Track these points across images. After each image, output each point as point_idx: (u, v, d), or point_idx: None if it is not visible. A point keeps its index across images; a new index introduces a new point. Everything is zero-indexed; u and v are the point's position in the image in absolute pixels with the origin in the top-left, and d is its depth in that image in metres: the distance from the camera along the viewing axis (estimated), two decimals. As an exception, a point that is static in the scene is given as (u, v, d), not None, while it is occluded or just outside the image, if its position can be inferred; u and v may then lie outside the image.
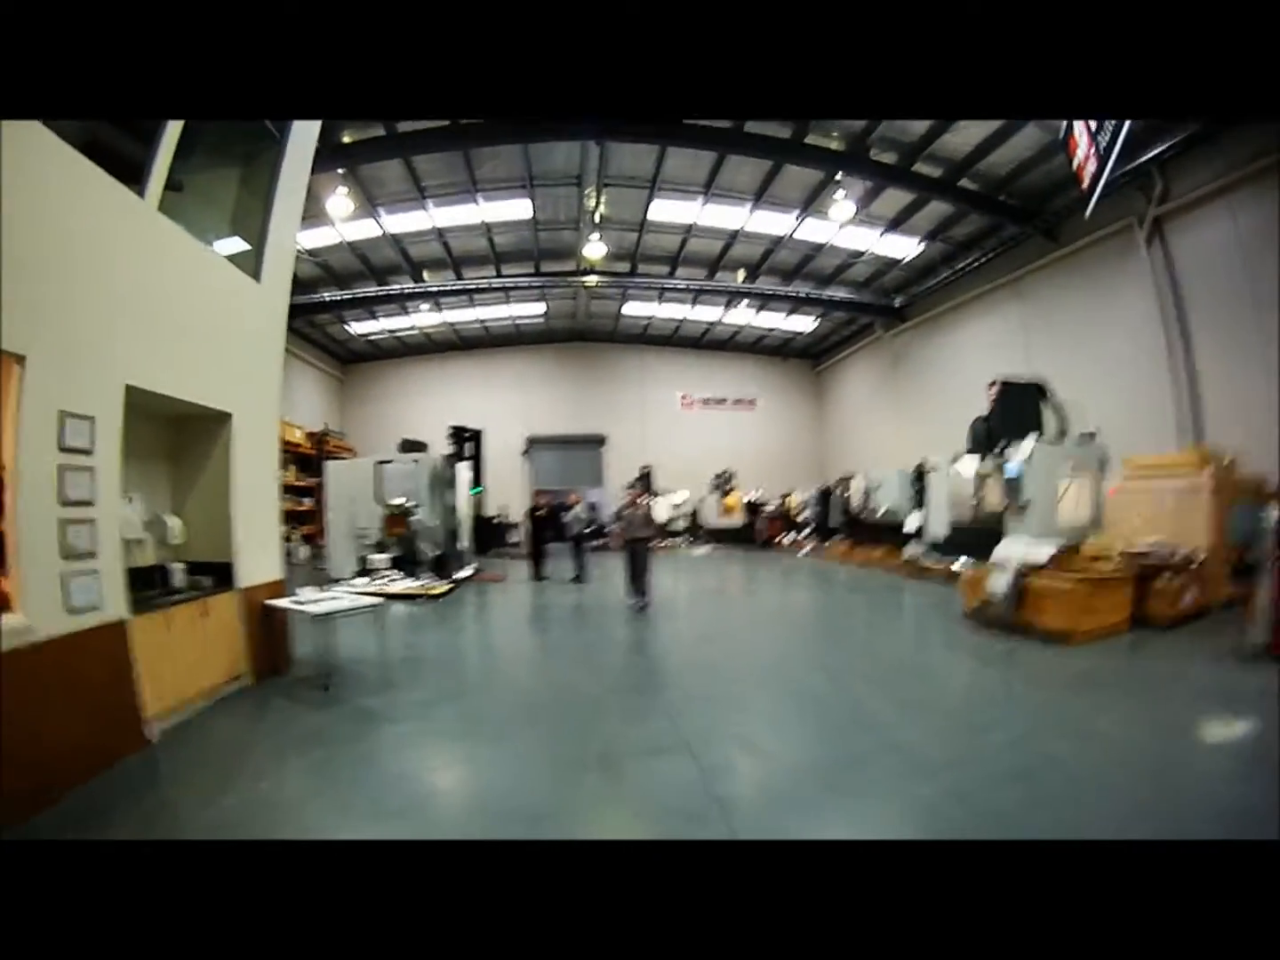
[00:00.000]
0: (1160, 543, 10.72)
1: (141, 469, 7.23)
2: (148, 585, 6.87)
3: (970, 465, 15.54)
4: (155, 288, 6.34)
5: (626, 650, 9.35)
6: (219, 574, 7.45)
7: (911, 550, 16.41)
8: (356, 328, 26.73)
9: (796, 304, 24.65)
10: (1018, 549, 9.94)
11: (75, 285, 5.31)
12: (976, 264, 19.43)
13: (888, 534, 18.43)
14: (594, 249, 18.60)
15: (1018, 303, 18.97)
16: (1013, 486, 13.09)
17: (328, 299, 21.74)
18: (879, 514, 18.57)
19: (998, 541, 13.16)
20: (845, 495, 21.19)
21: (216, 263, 7.52)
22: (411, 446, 18.25)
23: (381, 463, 16.26)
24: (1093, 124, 10.61)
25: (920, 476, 17.30)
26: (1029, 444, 13.11)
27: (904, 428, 24.11)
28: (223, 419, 7.48)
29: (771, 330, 28.92)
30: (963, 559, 14.38)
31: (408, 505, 14.59)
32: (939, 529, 15.74)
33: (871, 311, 24.65)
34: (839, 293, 23.25)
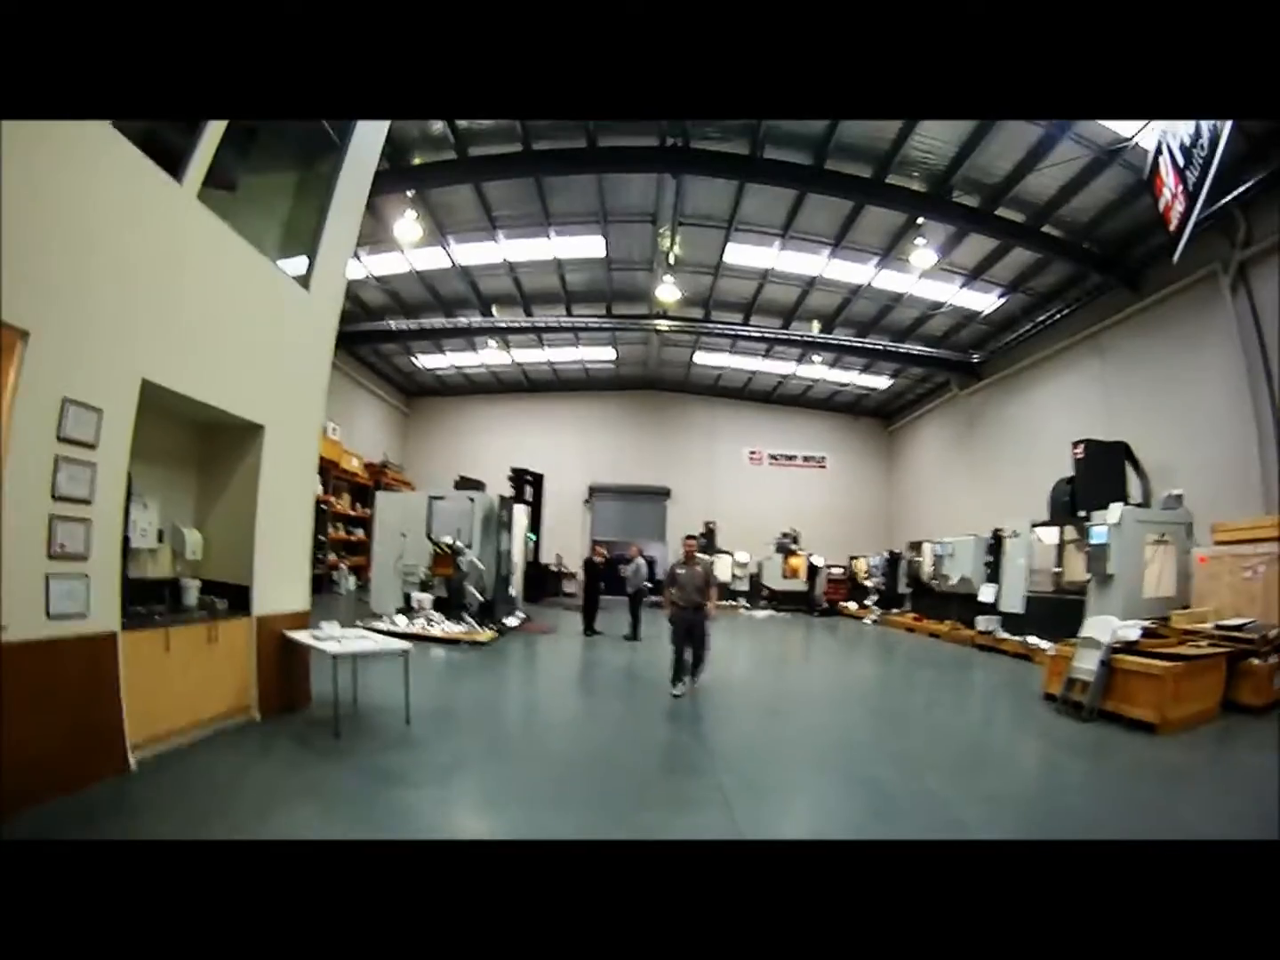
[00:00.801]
0: (1253, 620, 9.62)
1: (164, 475, 6.78)
2: (155, 599, 6.34)
3: (1051, 533, 14.54)
4: (191, 282, 5.87)
5: (678, 722, 8.27)
6: (237, 597, 6.85)
7: (984, 623, 15.25)
8: (423, 361, 26.69)
9: (872, 358, 23.80)
10: (1108, 626, 8.88)
11: (95, 264, 4.85)
12: (1057, 316, 18.28)
13: (958, 604, 17.34)
14: (667, 291, 18.14)
15: (1098, 359, 17.88)
16: (1098, 555, 12.20)
17: (394, 328, 21.66)
18: (951, 583, 17.44)
19: (1077, 616, 12.20)
20: (915, 562, 20.11)
21: (262, 266, 6.97)
22: (468, 484, 17.66)
23: (435, 498, 15.69)
24: (1180, 159, 9.73)
25: (996, 544, 16.26)
26: (1116, 509, 12.21)
27: (978, 491, 22.94)
28: (254, 431, 6.90)
29: (845, 386, 28.01)
30: (1039, 639, 13.28)
31: (457, 545, 13.89)
32: (1015, 601, 14.65)
33: (948, 368, 23.60)
34: (915, 347, 22.32)
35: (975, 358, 22.38)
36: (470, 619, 13.53)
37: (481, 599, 13.98)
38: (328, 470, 20.61)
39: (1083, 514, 13.28)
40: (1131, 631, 8.82)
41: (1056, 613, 13.34)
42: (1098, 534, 12.19)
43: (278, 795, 5.12)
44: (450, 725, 7.40)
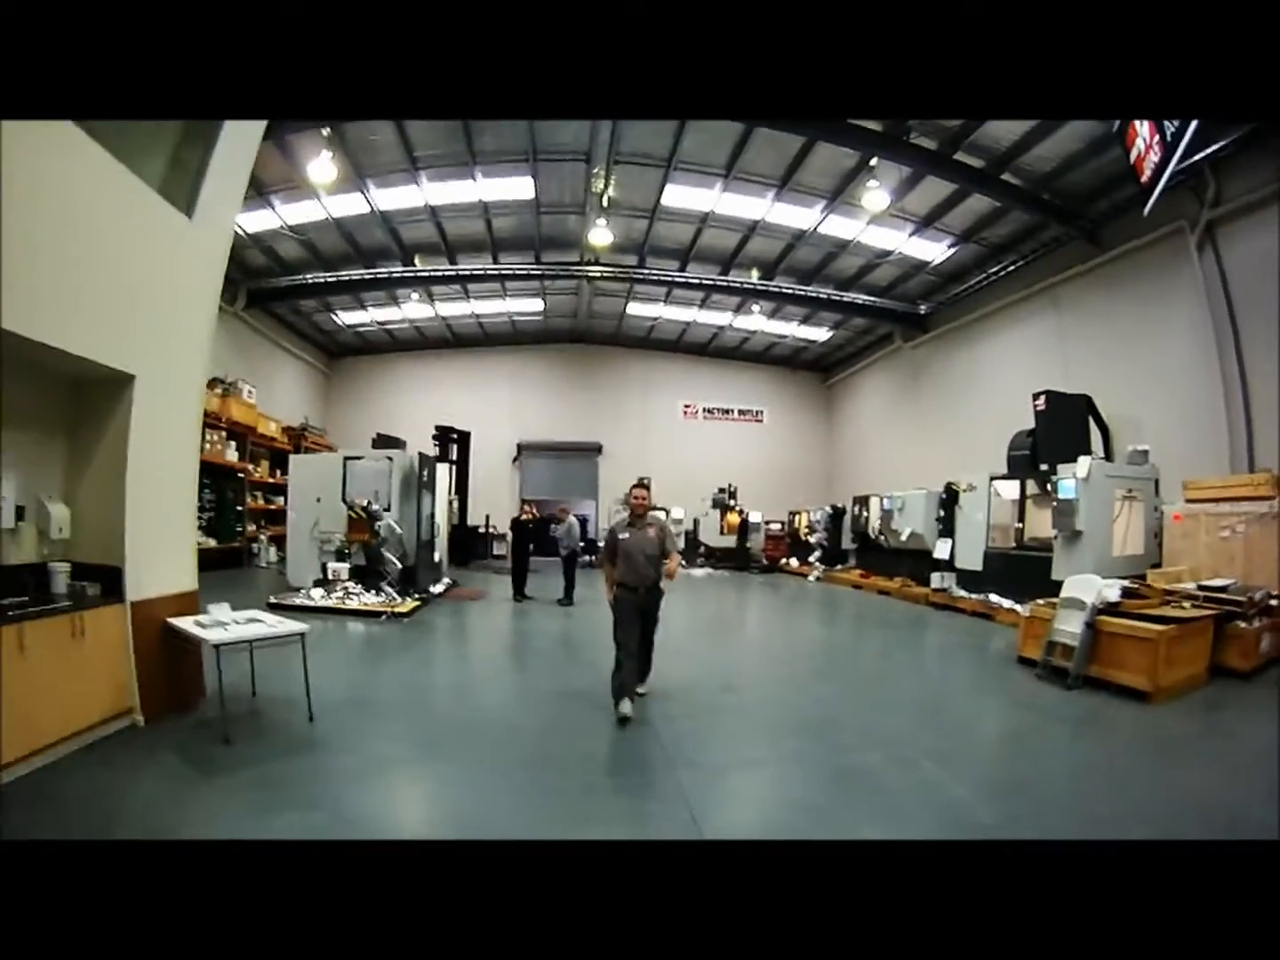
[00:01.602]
0: (1234, 581, 9.24)
1: (25, 442, 5.69)
2: (16, 590, 5.32)
3: (1011, 487, 14.01)
4: (48, 207, 4.74)
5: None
6: (111, 580, 5.78)
7: (939, 580, 14.72)
8: (344, 318, 25.13)
9: (814, 307, 22.94)
10: (1092, 585, 8.28)
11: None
12: (1011, 268, 17.82)
13: (909, 560, 16.83)
14: (600, 235, 17.12)
15: (1054, 312, 17.40)
16: (1066, 510, 11.65)
17: (311, 280, 20.15)
18: (903, 538, 16.88)
19: (1041, 573, 11.72)
20: (863, 517, 19.52)
21: (136, 188, 5.70)
22: (386, 443, 16.39)
23: (351, 459, 14.35)
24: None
25: (949, 497, 15.74)
26: (1085, 462, 11.67)
27: (923, 445, 22.50)
28: (124, 383, 5.78)
29: (783, 338, 27.21)
30: (999, 598, 12.79)
31: (373, 508, 12.74)
32: (972, 557, 14.12)
33: (892, 319, 22.91)
34: (860, 296, 21.59)
35: (922, 309, 21.78)
36: (390, 588, 12.43)
37: (401, 566, 12.83)
38: (244, 436, 19.15)
39: (1044, 467, 12.79)
40: (1112, 591, 8.24)
41: (1018, 570, 12.93)
42: (1065, 488, 11.68)
43: (143, 826, 4.14)
44: (360, 719, 6.39)
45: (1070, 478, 11.67)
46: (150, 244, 5.96)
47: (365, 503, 12.76)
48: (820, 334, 26.54)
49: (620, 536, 6.92)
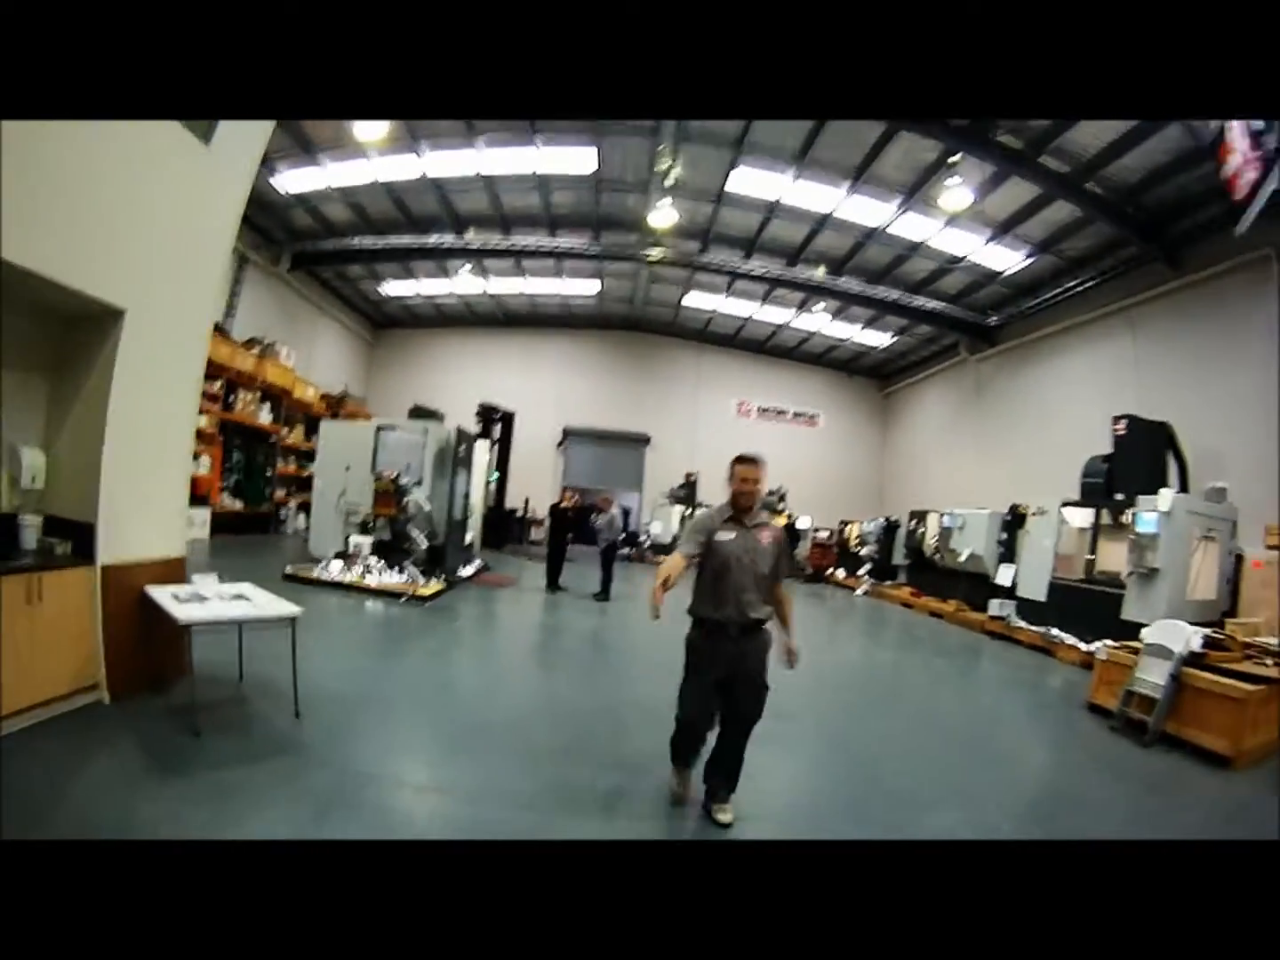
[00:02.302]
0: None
1: (11, 384, 5.10)
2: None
3: (1081, 514, 12.98)
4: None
5: (658, 724, 6.13)
6: (84, 538, 5.13)
7: (998, 607, 13.71)
8: (391, 287, 24.65)
9: (879, 310, 21.80)
10: (1180, 633, 7.34)
11: None
12: (1089, 284, 16.83)
13: (965, 583, 15.83)
14: (663, 216, 16.37)
15: (1129, 334, 16.46)
16: (1144, 545, 10.64)
17: (358, 246, 19.66)
18: (961, 559, 15.86)
19: (1109, 610, 10.86)
20: (918, 532, 18.53)
21: None
22: (423, 414, 15.67)
23: (383, 428, 13.72)
24: (1258, 122, 8.67)
25: (1013, 520, 14.72)
26: (1168, 495, 10.68)
27: (982, 465, 21.44)
28: (112, 318, 5.11)
29: (843, 341, 26.16)
30: (1061, 633, 11.82)
31: (402, 481, 11.98)
32: (1036, 586, 13.11)
33: (959, 329, 21.81)
34: (930, 301, 20.49)
35: (992, 320, 20.65)
36: (414, 567, 11.71)
37: (427, 545, 12.09)
38: (279, 399, 18.69)
39: (1120, 497, 11.81)
40: (1197, 641, 7.31)
41: (1085, 605, 11.86)
42: (1146, 521, 10.68)
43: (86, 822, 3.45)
44: (352, 721, 5.56)
45: (1152, 510, 10.69)
46: (157, 169, 5.24)
47: (394, 475, 12.06)
48: (883, 339, 25.48)
49: (719, 537, 4.30)
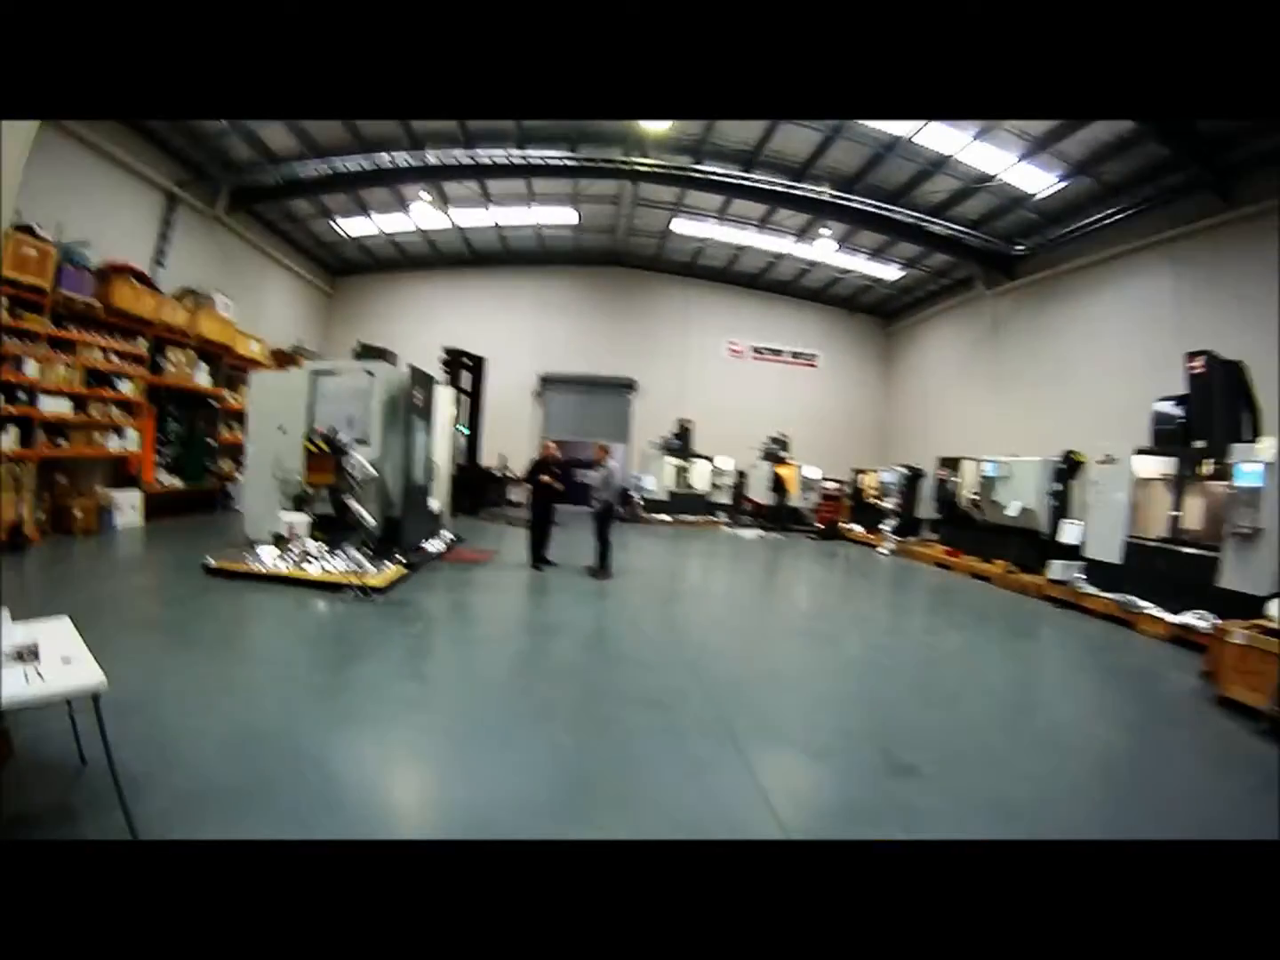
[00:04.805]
0: None
1: None
2: None
3: (1155, 463, 10.98)
4: None
5: (676, 735, 4.79)
6: None
7: (1060, 570, 11.79)
8: (347, 226, 22.04)
9: (892, 233, 19.33)
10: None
11: None
12: (1128, 213, 15.01)
13: (1014, 541, 13.93)
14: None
15: (1170, 270, 14.86)
16: (1246, 500, 8.77)
17: (302, 176, 17.12)
18: (1010, 513, 13.85)
19: (1203, 576, 9.43)
20: (950, 483, 16.51)
21: None
22: (370, 354, 12.84)
23: (320, 373, 11.10)
24: None
25: (1067, 469, 12.79)
26: (1272, 443, 8.81)
27: (1002, 408, 19.72)
28: None
29: (847, 274, 23.85)
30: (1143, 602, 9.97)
31: (338, 438, 9.64)
32: (1109, 547, 11.13)
33: (978, 259, 19.60)
34: (952, 225, 18.20)
35: (1018, 248, 18.47)
36: (358, 551, 9.40)
37: (377, 520, 9.76)
38: (217, 357, 16.14)
39: (1199, 444, 10.19)
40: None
41: (1170, 569, 10.12)
42: (1248, 473, 8.95)
43: None
44: (252, 812, 3.47)
45: (1254, 461, 8.96)
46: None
47: (326, 431, 9.68)
48: (890, 272, 23.28)
49: None
